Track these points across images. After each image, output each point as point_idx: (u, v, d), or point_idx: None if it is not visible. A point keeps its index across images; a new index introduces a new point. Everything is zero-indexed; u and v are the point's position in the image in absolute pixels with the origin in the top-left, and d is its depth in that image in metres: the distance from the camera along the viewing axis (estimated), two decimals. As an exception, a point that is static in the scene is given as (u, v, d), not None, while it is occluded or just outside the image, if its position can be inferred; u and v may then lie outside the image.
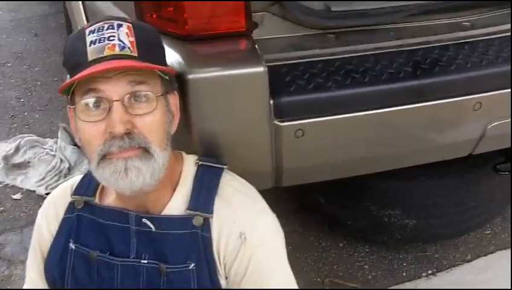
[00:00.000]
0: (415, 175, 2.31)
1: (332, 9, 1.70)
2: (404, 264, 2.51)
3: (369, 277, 2.45)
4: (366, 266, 2.50)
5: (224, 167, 1.41)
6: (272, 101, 1.48)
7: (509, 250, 2.58)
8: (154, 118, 1.25)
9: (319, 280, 2.42)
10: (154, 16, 1.56)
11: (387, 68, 1.60)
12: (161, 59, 1.31)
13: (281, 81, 1.53)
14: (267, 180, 1.63)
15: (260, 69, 1.43)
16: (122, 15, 1.67)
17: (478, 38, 1.77)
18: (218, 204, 1.34)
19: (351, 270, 2.48)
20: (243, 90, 1.44)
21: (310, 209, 2.69)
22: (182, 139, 1.45)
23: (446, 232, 2.53)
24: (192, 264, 1.33)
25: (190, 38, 1.50)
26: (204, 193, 1.35)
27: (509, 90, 1.70)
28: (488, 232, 2.69)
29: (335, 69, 1.58)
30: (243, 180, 1.45)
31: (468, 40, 1.76)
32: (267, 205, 1.44)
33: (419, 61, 1.64)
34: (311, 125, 1.54)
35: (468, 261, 2.53)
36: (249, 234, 1.34)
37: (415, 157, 1.79)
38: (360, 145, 1.63)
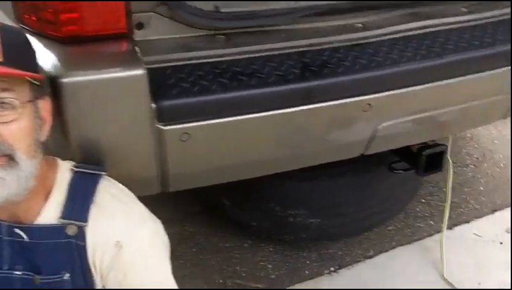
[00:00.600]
0: (318, 175, 2.32)
1: (222, 10, 1.67)
2: (308, 262, 2.52)
3: (273, 276, 2.44)
4: (270, 266, 2.49)
5: (103, 173, 1.36)
6: (153, 105, 1.43)
7: (410, 245, 2.63)
8: (19, 126, 1.19)
9: (221, 281, 2.40)
10: (32, 17, 1.49)
11: (275, 70, 1.58)
12: (30, 64, 1.25)
13: (164, 83, 1.48)
14: (153, 185, 1.58)
15: (138, 71, 1.38)
16: (2, 15, 1.59)
17: (369, 40, 1.76)
18: (94, 212, 1.30)
19: (254, 271, 2.46)
20: (121, 94, 1.38)
21: (215, 211, 2.66)
22: (59, 145, 1.39)
23: (349, 230, 2.56)
24: (67, 275, 1.30)
25: (68, 40, 1.43)
26: (79, 201, 1.30)
27: (399, 90, 1.70)
28: (390, 228, 2.73)
29: (222, 72, 1.55)
30: (122, 187, 1.40)
31: (360, 41, 1.75)
32: (147, 212, 1.40)
33: (308, 63, 1.62)
34: (196, 129, 1.50)
35: (370, 257, 2.56)
36: (125, 242, 1.30)
37: (307, 159, 1.77)
38: (248, 148, 1.61)
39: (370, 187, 2.38)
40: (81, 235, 1.28)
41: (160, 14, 1.62)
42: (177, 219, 2.69)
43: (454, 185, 2.99)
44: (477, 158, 3.29)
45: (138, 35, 1.60)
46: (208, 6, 1.66)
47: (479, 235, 2.68)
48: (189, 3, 1.61)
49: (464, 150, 3.35)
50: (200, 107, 1.48)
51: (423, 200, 2.92)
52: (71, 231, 1.28)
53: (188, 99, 1.47)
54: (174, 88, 1.47)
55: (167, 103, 1.45)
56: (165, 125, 1.47)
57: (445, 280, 2.41)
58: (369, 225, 2.61)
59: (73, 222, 1.28)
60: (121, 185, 1.41)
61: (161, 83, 1.48)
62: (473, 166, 3.22)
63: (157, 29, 1.63)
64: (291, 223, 2.39)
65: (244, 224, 2.51)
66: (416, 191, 2.83)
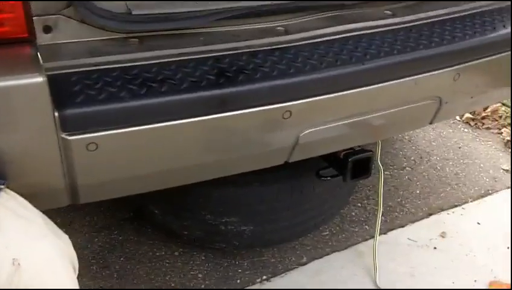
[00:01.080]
0: (249, 182, 2.27)
1: (133, 12, 1.59)
2: (240, 270, 2.47)
3: (203, 286, 2.39)
4: (200, 275, 2.43)
5: (1, 186, 1.28)
6: (57, 114, 1.35)
7: (344, 251, 2.60)
8: None
9: (150, 291, 2.33)
10: None
11: (189, 76, 1.51)
12: None
13: (68, 91, 1.40)
14: (62, 197, 1.50)
15: (38, 79, 1.30)
16: None
17: (290, 44, 1.71)
18: None
19: (185, 280, 2.40)
20: (20, 103, 1.30)
21: (144, 219, 2.59)
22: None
23: (282, 235, 2.52)
24: None
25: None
26: None
27: (320, 97, 1.66)
28: (325, 233, 2.70)
29: (132, 78, 1.47)
30: (22, 201, 1.32)
31: (280, 46, 1.70)
32: (49, 227, 1.32)
33: (224, 68, 1.56)
34: (104, 139, 1.42)
35: (304, 264, 2.52)
36: (23, 260, 1.22)
37: (226, 168, 1.72)
38: (160, 158, 1.54)
39: (305, 192, 2.33)
40: None
41: (68, 17, 1.54)
42: (105, 226, 2.61)
43: (390, 188, 2.99)
44: (414, 160, 3.28)
45: (45, 39, 1.51)
46: (120, 9, 1.59)
47: (413, 240, 2.66)
48: (98, 4, 1.53)
49: (401, 152, 3.34)
50: (106, 116, 1.41)
51: (359, 204, 2.89)
52: None
53: (93, 107, 1.39)
54: (78, 96, 1.39)
55: (71, 111, 1.37)
56: (70, 135, 1.39)
57: (378, 287, 2.39)
58: (302, 230, 2.57)
59: None
60: (21, 198, 1.33)
61: (65, 91, 1.40)
62: (409, 168, 3.21)
63: (67, 32, 1.55)
64: (223, 231, 2.34)
65: (175, 233, 2.44)
66: (351, 195, 2.81)
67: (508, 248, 2.65)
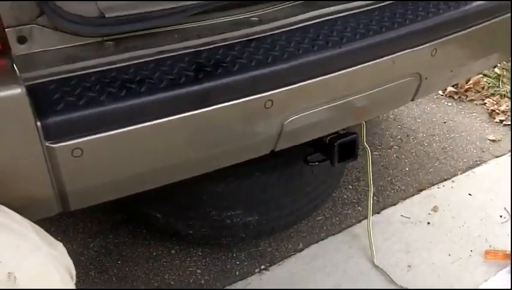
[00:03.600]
0: (250, 172, 2.29)
1: (107, 15, 1.59)
2: (238, 262, 2.48)
3: (202, 281, 2.40)
4: (199, 271, 2.44)
5: (-10, 201, 1.29)
6: (39, 123, 1.36)
7: (339, 234, 2.61)
8: None
9: (149, 291, 2.34)
10: None
11: (167, 74, 1.52)
12: None
13: (48, 99, 1.40)
14: (52, 206, 1.51)
15: (16, 90, 1.30)
16: None
17: (265, 34, 1.72)
18: None
19: (183, 277, 2.41)
20: (1, 116, 1.30)
21: (140, 221, 2.60)
22: None
23: (287, 221, 2.55)
24: None
25: None
26: None
27: (300, 84, 1.67)
28: (319, 218, 2.71)
29: (110, 81, 1.48)
30: (13, 213, 1.33)
31: (256, 36, 1.71)
32: (42, 237, 1.32)
33: (202, 63, 1.57)
34: (89, 144, 1.43)
35: (300, 250, 2.53)
36: (17, 273, 1.22)
37: (214, 161, 1.72)
38: (148, 157, 1.55)
39: (305, 176, 2.35)
40: None
41: (42, 26, 1.54)
42: (99, 231, 2.61)
43: (380, 168, 3.00)
44: (400, 139, 3.30)
45: (20, 49, 1.52)
46: (93, 13, 1.59)
47: (406, 217, 2.68)
48: (70, 10, 1.53)
49: (387, 132, 3.36)
50: (88, 121, 1.41)
51: (350, 187, 2.91)
52: None
53: (74, 113, 1.40)
54: (59, 103, 1.40)
55: (53, 119, 1.38)
56: (54, 143, 1.39)
57: (376, 266, 2.41)
58: (305, 213, 2.60)
59: None
60: (11, 211, 1.34)
61: (45, 99, 1.40)
62: (397, 147, 3.23)
63: (42, 41, 1.55)
64: (229, 224, 2.36)
65: (181, 233, 2.45)
66: (342, 178, 2.83)
67: (501, 216, 2.67)
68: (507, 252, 2.42)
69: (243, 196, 2.34)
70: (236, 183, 2.30)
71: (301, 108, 1.74)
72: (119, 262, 2.47)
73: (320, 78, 1.68)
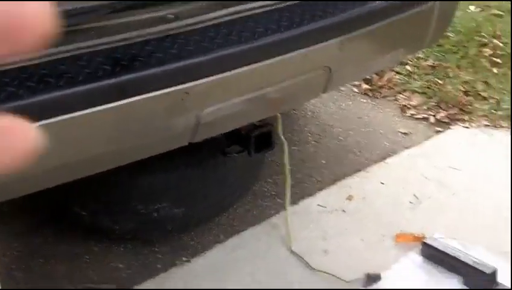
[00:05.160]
0: (176, 166, 2.34)
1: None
2: (160, 256, 2.53)
3: (124, 275, 2.43)
4: (121, 265, 2.47)
5: None
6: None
7: (259, 225, 2.70)
8: None
9: (72, 288, 2.36)
10: None
11: (85, 69, 1.56)
12: None
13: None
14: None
15: None
16: None
17: (181, 30, 1.79)
18: None
19: (106, 272, 2.44)
20: None
21: (63, 220, 2.61)
22: None
23: (212, 212, 2.61)
24: None
25: None
26: None
27: (214, 76, 1.74)
28: (240, 210, 2.79)
29: (28, 76, 1.51)
30: None
31: (171, 32, 1.78)
32: None
33: (119, 58, 1.62)
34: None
35: (222, 242, 2.60)
36: None
37: (133, 154, 1.78)
38: (67, 149, 1.59)
39: (228, 166, 2.43)
40: None
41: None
42: (22, 231, 2.61)
43: (298, 162, 3.11)
44: (318, 134, 3.43)
45: None
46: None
47: (323, 207, 2.80)
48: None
49: (305, 128, 3.48)
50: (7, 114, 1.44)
51: (270, 180, 3.00)
52: None
53: (-7, 107, 1.43)
54: (-24, 98, 1.43)
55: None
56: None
57: (294, 253, 2.51)
58: (230, 202, 2.68)
59: None
60: None
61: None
62: (314, 142, 3.35)
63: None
64: (155, 218, 2.41)
65: (106, 230, 2.48)
66: (261, 171, 2.92)
67: (411, 202, 2.82)
68: (416, 235, 2.56)
69: (170, 189, 2.40)
70: (163, 177, 2.37)
71: (217, 100, 1.82)
72: (41, 260, 2.48)
73: (234, 71, 1.77)
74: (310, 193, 2.90)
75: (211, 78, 1.74)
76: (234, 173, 2.58)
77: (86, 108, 1.53)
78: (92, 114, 1.54)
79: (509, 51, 4.18)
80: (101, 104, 1.55)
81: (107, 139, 1.65)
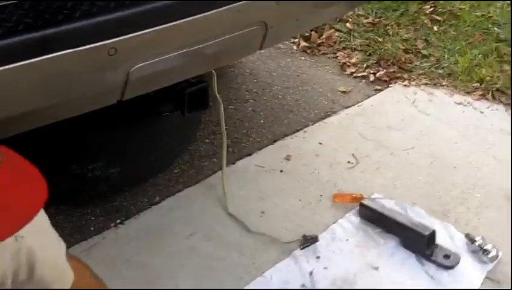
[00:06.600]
0: (111, 124, 2.26)
1: None
2: (93, 218, 2.46)
3: (56, 238, 2.34)
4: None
5: None
6: None
7: (195, 186, 2.65)
8: None
9: None
10: None
11: (5, 22, 1.45)
12: None
13: None
14: None
15: None
16: None
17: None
18: None
19: (37, 235, 2.35)
20: None
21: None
22: None
23: (147, 172, 2.55)
24: None
25: None
26: None
27: (144, 31, 1.66)
28: (176, 171, 2.73)
29: None
30: None
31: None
32: None
33: (42, 10, 1.52)
34: None
35: (157, 203, 2.55)
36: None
37: (60, 111, 1.69)
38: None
39: (164, 127, 2.37)
40: None
41: None
42: None
43: (235, 121, 3.07)
44: (256, 92, 3.38)
45: None
46: None
47: (260, 166, 2.76)
48: None
49: (243, 86, 3.42)
50: None
51: (207, 140, 2.95)
52: None
53: None
54: None
55: None
56: None
57: (230, 214, 2.47)
58: (168, 161, 2.62)
59: None
60: None
61: None
62: (252, 101, 3.30)
63: None
64: (90, 178, 2.35)
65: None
66: (198, 131, 2.86)
67: (349, 162, 2.82)
68: (354, 195, 2.56)
69: (105, 149, 2.33)
70: (97, 136, 2.28)
71: (147, 56, 1.73)
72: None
73: (166, 25, 1.68)
74: (248, 153, 2.86)
75: (140, 32, 1.66)
76: (170, 133, 2.52)
77: (7, 64, 1.43)
78: (13, 70, 1.44)
79: (450, 9, 4.19)
80: (23, 60, 1.45)
81: (30, 97, 1.55)
